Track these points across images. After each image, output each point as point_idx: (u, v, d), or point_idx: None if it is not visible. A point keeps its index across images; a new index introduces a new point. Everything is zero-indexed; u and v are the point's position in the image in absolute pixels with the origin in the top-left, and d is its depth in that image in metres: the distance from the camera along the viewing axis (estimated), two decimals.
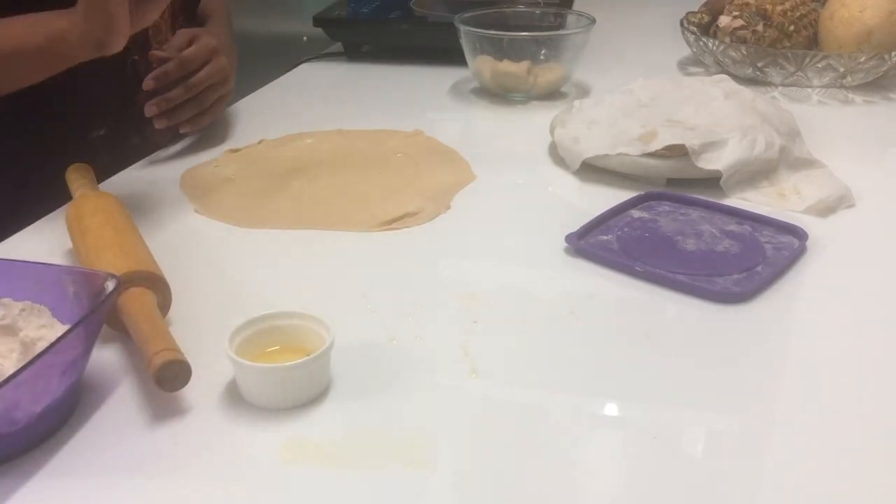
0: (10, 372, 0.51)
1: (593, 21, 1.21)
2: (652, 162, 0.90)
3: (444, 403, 0.59)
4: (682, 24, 1.31)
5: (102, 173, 0.92)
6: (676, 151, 0.89)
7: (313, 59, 1.42)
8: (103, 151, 0.98)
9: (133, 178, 0.94)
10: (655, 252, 0.77)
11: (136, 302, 0.62)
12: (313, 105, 1.16)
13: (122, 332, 0.63)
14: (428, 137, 1.05)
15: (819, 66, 1.18)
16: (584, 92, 1.23)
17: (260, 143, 1.03)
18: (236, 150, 1.01)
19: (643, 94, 1.03)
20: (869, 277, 0.75)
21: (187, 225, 0.84)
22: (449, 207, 0.87)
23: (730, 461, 0.54)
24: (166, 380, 0.56)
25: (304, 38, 1.46)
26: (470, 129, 1.15)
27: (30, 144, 0.96)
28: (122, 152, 1.00)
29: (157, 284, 0.65)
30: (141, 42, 0.99)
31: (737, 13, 1.26)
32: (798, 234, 0.79)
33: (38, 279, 0.61)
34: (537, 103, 1.19)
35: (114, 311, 0.62)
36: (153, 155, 1.00)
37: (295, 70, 1.38)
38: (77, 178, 0.81)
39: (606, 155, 0.92)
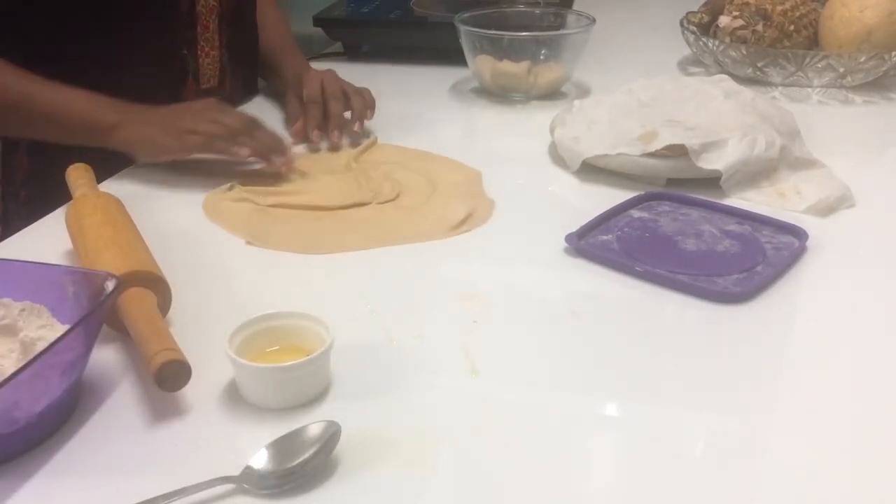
0: (10, 372, 0.51)
1: (593, 21, 1.21)
2: (652, 162, 0.90)
3: (444, 403, 0.59)
4: (682, 24, 1.31)
5: (105, 172, 0.92)
6: (676, 151, 0.89)
7: (313, 59, 1.41)
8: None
9: (133, 177, 0.94)
10: (655, 252, 0.77)
11: (136, 302, 0.62)
12: None
13: (122, 332, 0.63)
14: (395, 146, 1.03)
15: (819, 65, 1.18)
16: (584, 92, 1.23)
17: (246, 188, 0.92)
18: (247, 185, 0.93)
19: (643, 94, 1.03)
20: (869, 277, 0.75)
21: (187, 225, 0.84)
22: (492, 201, 0.87)
23: (730, 461, 0.54)
24: (166, 380, 0.56)
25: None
26: (470, 129, 1.15)
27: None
28: None
29: (157, 284, 0.65)
30: (191, 39, 1.03)
31: (737, 13, 1.26)
32: (798, 233, 0.79)
33: (38, 279, 0.61)
34: (537, 103, 1.19)
35: (114, 312, 0.62)
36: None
37: None
38: (77, 178, 0.81)
39: (606, 155, 0.92)
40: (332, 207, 0.87)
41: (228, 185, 0.91)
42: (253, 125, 0.92)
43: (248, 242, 0.81)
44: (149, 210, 0.84)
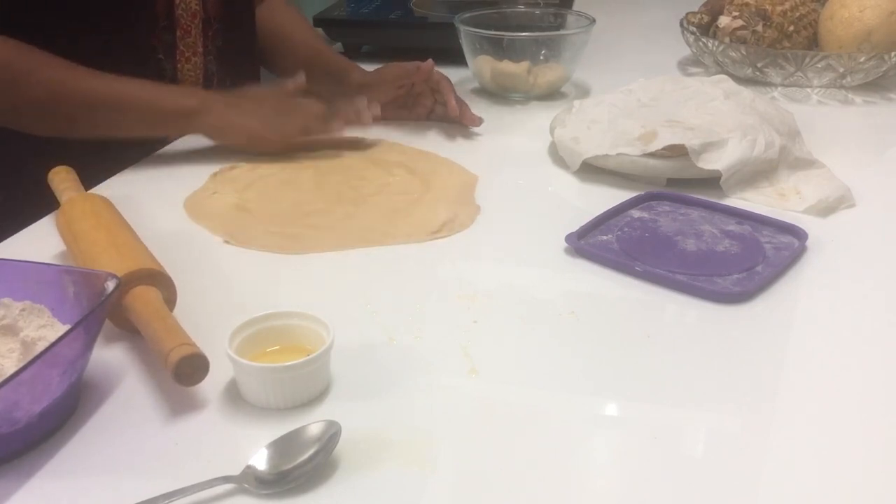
0: (11, 372, 0.51)
1: (593, 21, 1.21)
2: (652, 162, 0.90)
3: (444, 403, 0.59)
4: (681, 25, 1.32)
5: (103, 173, 0.92)
6: (676, 151, 0.89)
7: None
8: (114, 147, 0.97)
9: (129, 179, 0.94)
10: (655, 252, 0.77)
11: (142, 300, 0.62)
12: None
13: (130, 331, 0.63)
14: (401, 145, 1.03)
15: (819, 66, 1.18)
16: (584, 92, 1.23)
17: (232, 168, 0.96)
18: (221, 173, 0.95)
19: (643, 94, 1.03)
20: (869, 277, 0.75)
21: (185, 224, 0.84)
22: (479, 208, 0.87)
23: (730, 461, 0.54)
24: (185, 375, 0.56)
25: None
26: (469, 129, 1.15)
27: (37, 141, 0.95)
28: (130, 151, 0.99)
29: (160, 280, 0.65)
30: (169, 43, 1.01)
31: (736, 13, 1.26)
32: (798, 234, 0.79)
33: (38, 279, 0.61)
34: (537, 103, 1.19)
35: (121, 312, 0.63)
36: (148, 157, 1.00)
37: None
38: (61, 182, 0.80)
39: (606, 155, 0.92)
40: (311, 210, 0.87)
41: (213, 191, 0.91)
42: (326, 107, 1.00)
43: (226, 241, 0.81)
44: (145, 211, 0.84)
